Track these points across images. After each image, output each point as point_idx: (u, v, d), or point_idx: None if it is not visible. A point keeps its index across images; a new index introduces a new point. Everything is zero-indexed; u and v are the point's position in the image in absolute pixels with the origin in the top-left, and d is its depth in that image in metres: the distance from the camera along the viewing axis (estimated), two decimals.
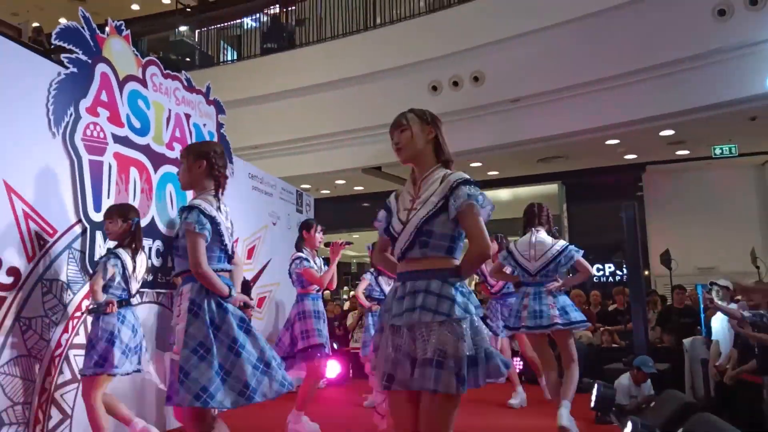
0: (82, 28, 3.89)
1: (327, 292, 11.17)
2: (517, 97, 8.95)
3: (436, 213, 2.14)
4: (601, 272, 11.84)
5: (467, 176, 2.19)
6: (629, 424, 3.31)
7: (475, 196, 2.13)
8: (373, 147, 10.10)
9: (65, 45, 3.77)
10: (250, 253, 5.95)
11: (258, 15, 12.41)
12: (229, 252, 2.85)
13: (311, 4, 11.70)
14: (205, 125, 5.24)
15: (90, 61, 3.90)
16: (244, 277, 3.97)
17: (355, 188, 12.16)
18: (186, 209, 2.69)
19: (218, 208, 2.78)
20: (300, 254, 4.59)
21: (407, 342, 2.09)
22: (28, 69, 3.53)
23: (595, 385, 4.84)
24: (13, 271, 3.25)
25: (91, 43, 3.94)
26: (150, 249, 4.36)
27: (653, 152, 10.07)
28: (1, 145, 3.27)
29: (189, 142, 4.95)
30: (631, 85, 8.21)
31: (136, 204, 4.10)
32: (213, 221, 2.69)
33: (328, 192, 12.54)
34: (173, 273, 3.72)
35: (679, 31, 7.65)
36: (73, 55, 3.79)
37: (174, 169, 4.73)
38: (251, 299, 3.63)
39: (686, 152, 10.03)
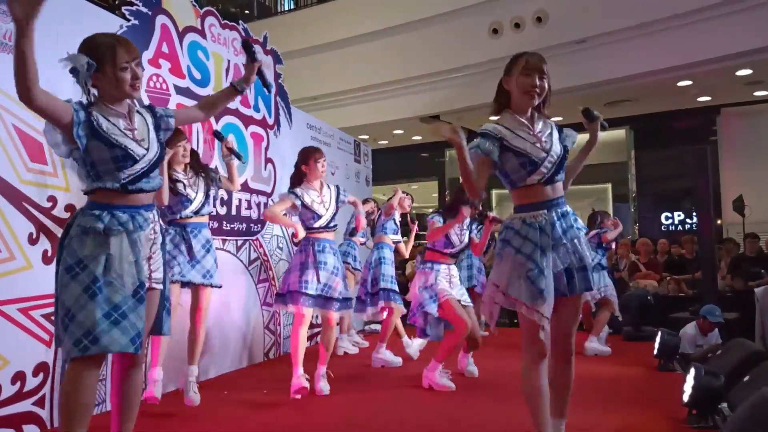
0: None
1: None
2: (583, 38, 8.55)
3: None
4: (670, 221, 11.43)
5: None
6: (692, 370, 3.24)
7: None
8: (431, 95, 9.92)
9: None
10: None
11: None
12: None
13: None
14: None
15: (150, 12, 3.98)
16: None
17: (413, 138, 12.07)
18: None
19: None
20: None
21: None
22: (94, 23, 3.60)
23: (659, 333, 4.77)
24: None
25: None
26: (213, 198, 4.50)
27: (729, 94, 9.51)
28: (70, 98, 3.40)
29: (248, 94, 5.02)
30: (705, 21, 7.69)
31: (200, 154, 4.22)
32: None
33: (386, 142, 12.51)
34: None
35: None
36: (134, 7, 3.87)
37: (235, 120, 4.84)
38: None
39: (765, 93, 9.43)
